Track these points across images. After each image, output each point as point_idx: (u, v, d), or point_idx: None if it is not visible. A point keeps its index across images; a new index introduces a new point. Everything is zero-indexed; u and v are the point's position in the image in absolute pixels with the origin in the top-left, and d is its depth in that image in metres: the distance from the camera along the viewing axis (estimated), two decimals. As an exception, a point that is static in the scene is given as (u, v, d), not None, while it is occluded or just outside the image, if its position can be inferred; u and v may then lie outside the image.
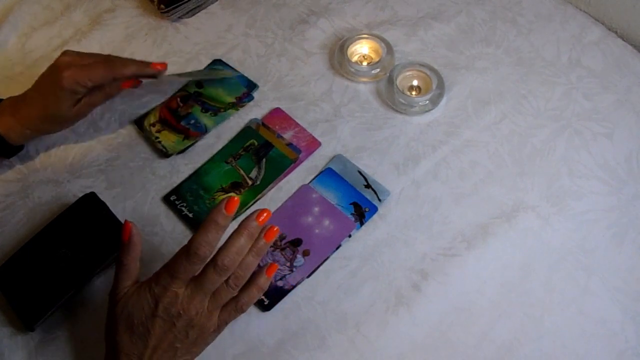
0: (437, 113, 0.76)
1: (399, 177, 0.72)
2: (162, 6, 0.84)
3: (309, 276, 0.66)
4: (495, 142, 0.74)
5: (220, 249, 0.55)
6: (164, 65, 0.71)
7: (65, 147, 0.76)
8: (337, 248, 0.67)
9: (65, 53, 0.68)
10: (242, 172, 0.73)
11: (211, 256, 0.55)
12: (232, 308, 0.58)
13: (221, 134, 0.76)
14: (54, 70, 0.67)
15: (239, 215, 0.70)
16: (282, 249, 0.67)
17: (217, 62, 0.81)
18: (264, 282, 0.59)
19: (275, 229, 0.57)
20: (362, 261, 0.67)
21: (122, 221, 0.68)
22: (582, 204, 0.69)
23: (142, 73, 0.70)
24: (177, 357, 0.56)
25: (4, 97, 0.71)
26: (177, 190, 0.72)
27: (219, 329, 0.58)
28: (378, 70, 0.78)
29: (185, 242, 0.68)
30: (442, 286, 0.65)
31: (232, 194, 0.55)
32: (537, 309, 0.63)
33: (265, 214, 0.56)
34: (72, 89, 0.66)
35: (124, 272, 0.56)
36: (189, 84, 0.80)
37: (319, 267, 0.67)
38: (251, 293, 0.58)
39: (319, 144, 0.74)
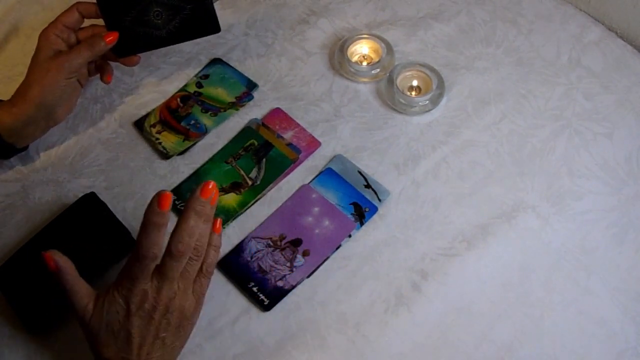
0: (437, 113, 0.76)
1: (399, 177, 0.72)
2: (162, 6, 0.84)
3: (309, 276, 0.66)
4: (495, 142, 0.74)
5: (173, 234, 0.55)
6: (113, 36, 0.70)
7: (65, 147, 0.76)
8: (337, 248, 0.67)
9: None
10: (242, 172, 0.73)
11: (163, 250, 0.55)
12: (200, 277, 0.58)
13: (221, 134, 0.76)
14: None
15: (238, 215, 0.70)
16: (282, 249, 0.67)
17: (217, 62, 0.81)
18: (217, 239, 0.59)
19: (210, 185, 0.56)
20: (362, 261, 0.67)
21: (122, 221, 0.68)
22: (582, 204, 0.69)
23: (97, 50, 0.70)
24: (167, 346, 0.56)
25: (3, 97, 0.71)
26: (177, 190, 0.72)
27: (198, 304, 0.58)
28: (378, 70, 0.78)
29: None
30: (442, 286, 0.65)
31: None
32: (537, 309, 0.63)
33: (210, 186, 0.56)
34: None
35: (74, 295, 0.55)
36: (189, 83, 0.80)
37: (319, 267, 0.67)
38: (210, 255, 0.58)
39: (319, 144, 0.74)
